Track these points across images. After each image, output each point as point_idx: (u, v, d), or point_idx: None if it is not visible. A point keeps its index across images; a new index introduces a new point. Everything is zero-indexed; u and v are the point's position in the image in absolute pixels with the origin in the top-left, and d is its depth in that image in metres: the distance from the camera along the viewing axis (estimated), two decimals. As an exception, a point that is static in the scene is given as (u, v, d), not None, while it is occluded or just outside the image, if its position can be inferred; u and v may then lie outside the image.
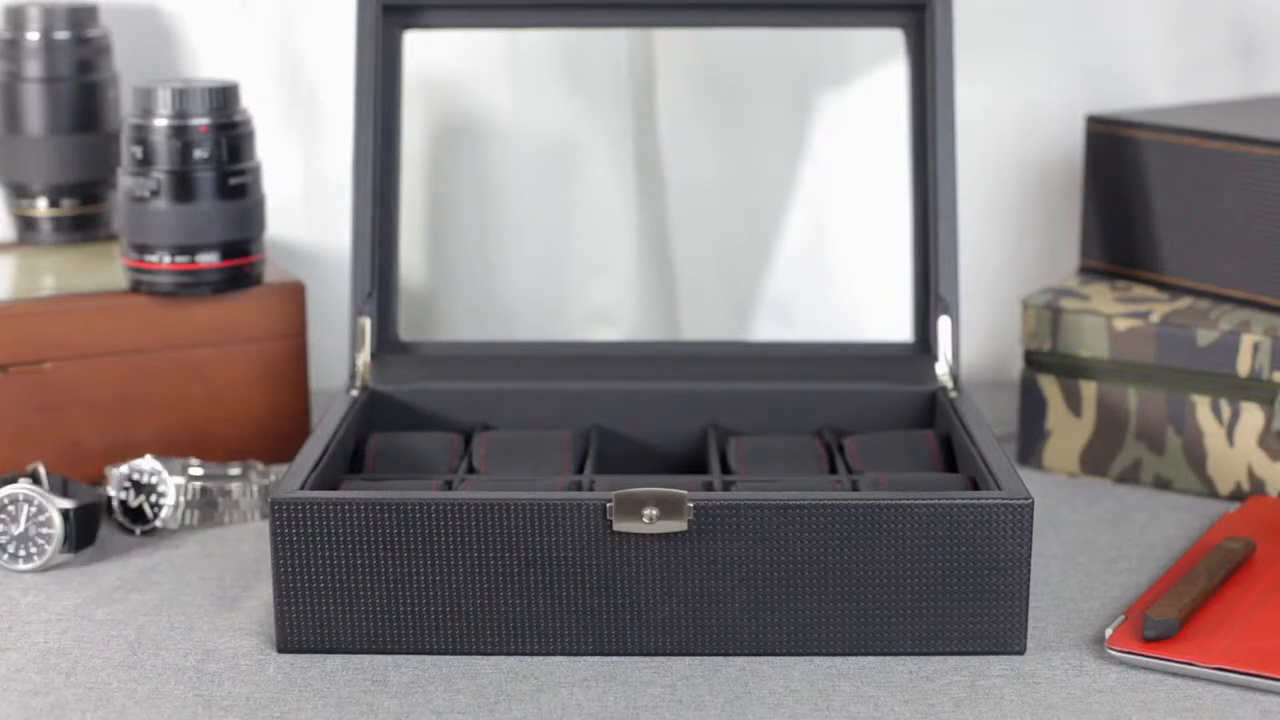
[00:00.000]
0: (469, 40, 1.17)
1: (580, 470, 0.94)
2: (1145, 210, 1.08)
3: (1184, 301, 1.05)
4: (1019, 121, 1.21)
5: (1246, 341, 0.99)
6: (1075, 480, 1.05)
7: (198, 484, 0.96)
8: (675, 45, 1.17)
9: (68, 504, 0.90)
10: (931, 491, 0.82)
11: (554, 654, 0.81)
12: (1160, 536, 0.96)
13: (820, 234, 1.19)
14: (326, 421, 0.93)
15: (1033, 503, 0.80)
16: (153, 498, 0.95)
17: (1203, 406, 1.00)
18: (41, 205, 1.13)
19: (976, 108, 1.16)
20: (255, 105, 1.15)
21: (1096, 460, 1.05)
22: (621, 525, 0.79)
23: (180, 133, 1.00)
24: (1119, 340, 1.02)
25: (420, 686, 0.78)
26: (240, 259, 1.03)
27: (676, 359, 1.03)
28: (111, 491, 0.96)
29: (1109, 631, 0.82)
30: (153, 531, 0.96)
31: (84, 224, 1.14)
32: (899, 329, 1.11)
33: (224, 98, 1.01)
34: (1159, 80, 1.22)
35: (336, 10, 1.17)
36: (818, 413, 1.00)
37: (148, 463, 0.95)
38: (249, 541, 0.95)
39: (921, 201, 1.04)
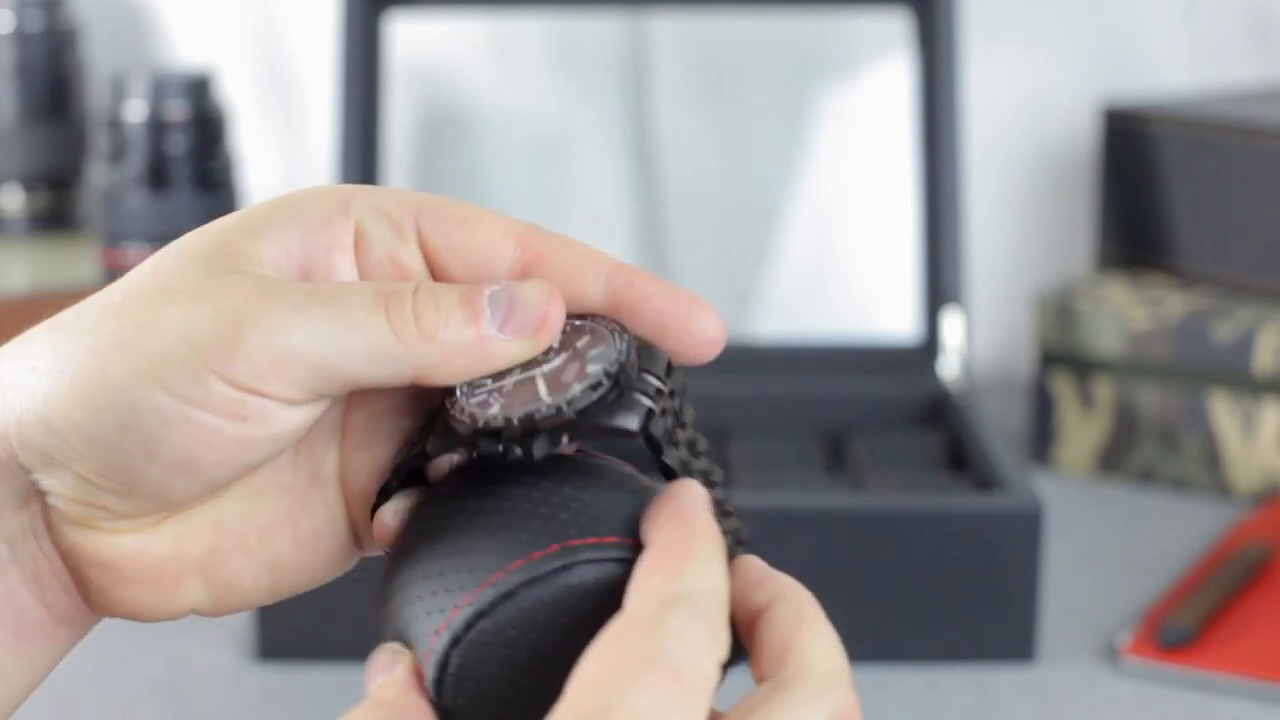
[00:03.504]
0: (457, 27, 1.14)
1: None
2: (1162, 202, 1.06)
3: (1200, 297, 1.03)
4: (1027, 110, 1.19)
5: (1264, 339, 0.97)
6: (1087, 481, 1.03)
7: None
8: (671, 33, 1.15)
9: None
10: (939, 496, 0.80)
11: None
12: (1176, 540, 0.94)
13: (823, 229, 1.17)
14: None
15: (1043, 508, 0.78)
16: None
17: (1219, 405, 0.98)
18: (12, 197, 1.11)
19: (984, 96, 1.14)
20: (233, 93, 1.13)
21: (1110, 461, 1.03)
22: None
23: (156, 124, 0.98)
24: (1133, 338, 1.01)
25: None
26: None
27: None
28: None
29: (1122, 638, 0.79)
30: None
31: (56, 217, 1.12)
32: (905, 327, 1.09)
33: (202, 88, 0.99)
34: (1173, 66, 1.19)
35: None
36: (821, 413, 0.98)
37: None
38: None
39: (928, 194, 1.02)
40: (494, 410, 0.42)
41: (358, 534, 0.46)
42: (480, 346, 0.42)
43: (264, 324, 0.40)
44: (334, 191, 0.44)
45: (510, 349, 0.42)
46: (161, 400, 0.40)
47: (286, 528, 0.44)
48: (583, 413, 0.41)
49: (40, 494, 0.42)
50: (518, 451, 0.41)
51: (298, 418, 0.41)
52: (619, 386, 0.42)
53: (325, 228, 0.43)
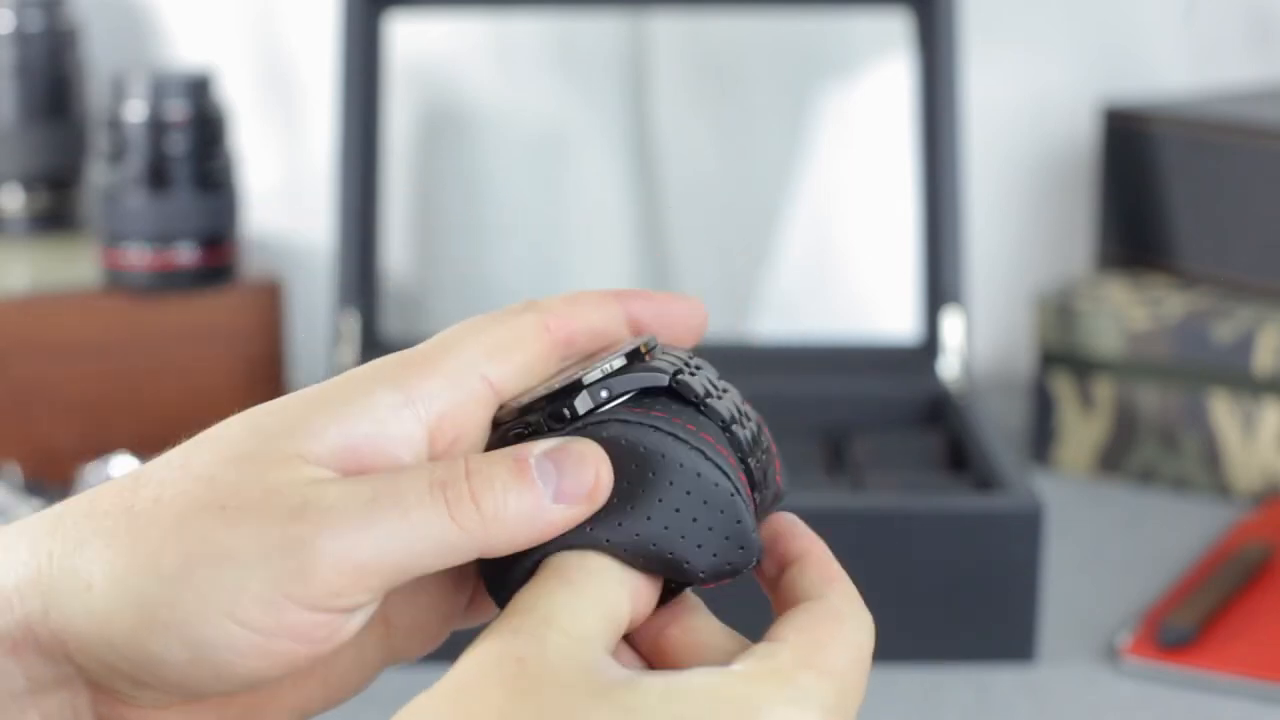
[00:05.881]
0: (457, 27, 1.14)
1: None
2: (1162, 202, 1.06)
3: (1200, 297, 1.02)
4: (1027, 110, 1.19)
5: (1264, 339, 0.97)
6: (1087, 481, 1.03)
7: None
8: (671, 33, 1.15)
9: (39, 506, 0.88)
10: (939, 496, 0.80)
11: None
12: (1176, 540, 0.93)
13: (823, 229, 1.17)
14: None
15: (1043, 508, 0.77)
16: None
17: (1219, 405, 0.98)
18: (12, 197, 1.10)
19: (984, 96, 1.14)
20: (233, 93, 1.12)
21: (1110, 461, 1.02)
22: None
23: (156, 124, 0.98)
24: (1133, 338, 1.00)
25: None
26: (218, 253, 1.00)
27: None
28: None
29: (1122, 638, 0.79)
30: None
31: (56, 217, 1.12)
32: (905, 327, 1.09)
33: (202, 88, 0.99)
34: (1174, 66, 1.19)
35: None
36: (821, 413, 0.98)
37: (124, 463, 0.93)
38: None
39: (928, 194, 1.02)
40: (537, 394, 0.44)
41: (395, 656, 0.47)
42: (540, 518, 0.42)
43: (334, 545, 0.40)
44: (394, 382, 0.43)
45: (568, 515, 0.42)
46: (237, 634, 0.40)
47: (319, 676, 0.45)
48: (614, 374, 0.44)
49: (88, 680, 0.42)
50: (565, 412, 0.43)
51: (358, 623, 0.42)
52: (645, 356, 0.45)
53: (394, 420, 0.43)
